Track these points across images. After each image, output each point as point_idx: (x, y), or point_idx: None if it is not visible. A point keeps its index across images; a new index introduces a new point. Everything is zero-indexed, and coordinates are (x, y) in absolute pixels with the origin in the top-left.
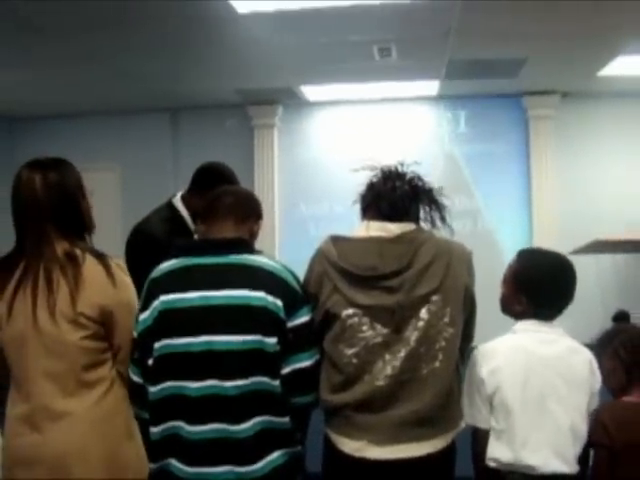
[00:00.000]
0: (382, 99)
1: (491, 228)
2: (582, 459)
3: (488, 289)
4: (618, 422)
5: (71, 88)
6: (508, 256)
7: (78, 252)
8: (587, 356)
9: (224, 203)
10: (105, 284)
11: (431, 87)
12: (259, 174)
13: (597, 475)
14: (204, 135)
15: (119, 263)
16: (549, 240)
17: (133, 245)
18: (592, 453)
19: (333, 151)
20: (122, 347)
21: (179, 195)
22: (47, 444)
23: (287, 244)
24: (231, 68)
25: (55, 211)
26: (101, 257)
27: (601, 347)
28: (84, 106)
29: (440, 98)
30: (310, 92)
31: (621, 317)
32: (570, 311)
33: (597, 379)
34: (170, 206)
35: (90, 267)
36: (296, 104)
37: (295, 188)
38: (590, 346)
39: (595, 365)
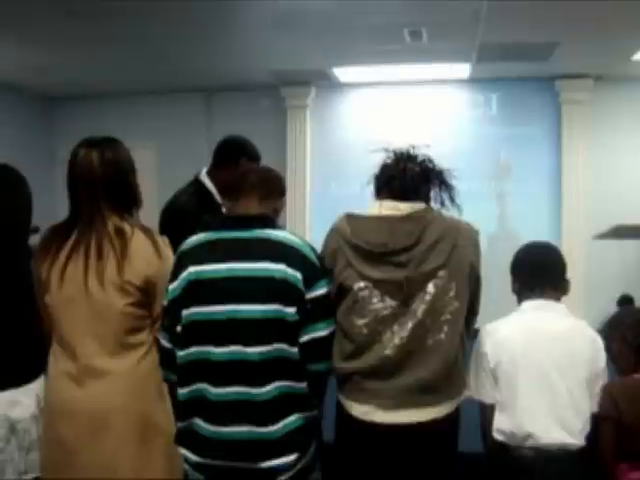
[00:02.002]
0: (414, 81)
1: (520, 211)
2: (591, 437)
3: None
4: (628, 396)
5: (108, 69)
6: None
7: (127, 227)
8: (590, 334)
9: (248, 181)
10: (151, 256)
11: (463, 70)
12: (291, 154)
13: (603, 448)
14: (237, 115)
15: (164, 238)
16: (578, 224)
17: (168, 221)
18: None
19: (364, 132)
20: (161, 315)
21: (204, 171)
22: (89, 399)
23: (318, 223)
24: (264, 50)
25: (109, 187)
26: (148, 232)
27: (609, 331)
28: (121, 86)
29: (472, 81)
30: (342, 74)
31: (625, 301)
32: (593, 296)
33: (601, 358)
34: (197, 182)
35: (138, 240)
36: (328, 85)
37: (327, 168)
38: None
39: (599, 344)
